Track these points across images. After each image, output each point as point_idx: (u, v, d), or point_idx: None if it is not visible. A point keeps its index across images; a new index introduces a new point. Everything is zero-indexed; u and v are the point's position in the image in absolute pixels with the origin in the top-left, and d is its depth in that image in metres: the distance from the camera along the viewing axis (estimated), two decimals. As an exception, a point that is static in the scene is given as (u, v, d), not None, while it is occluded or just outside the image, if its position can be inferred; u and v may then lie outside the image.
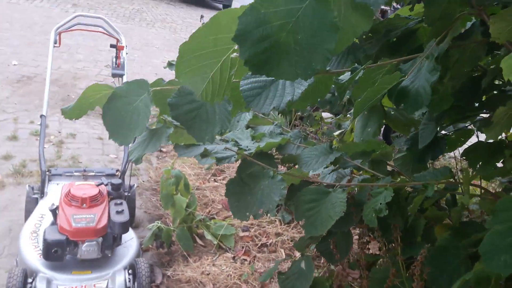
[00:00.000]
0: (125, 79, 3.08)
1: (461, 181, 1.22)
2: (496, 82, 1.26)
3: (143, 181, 3.33)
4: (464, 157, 1.39)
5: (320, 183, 1.25)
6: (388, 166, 1.61)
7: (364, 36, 1.29)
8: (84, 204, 1.94)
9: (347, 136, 2.13)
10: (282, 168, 1.53)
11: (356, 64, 1.35)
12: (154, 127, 1.10)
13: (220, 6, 13.63)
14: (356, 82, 0.99)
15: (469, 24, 1.15)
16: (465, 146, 1.46)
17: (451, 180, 1.22)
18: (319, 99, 1.01)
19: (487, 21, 0.97)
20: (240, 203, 1.06)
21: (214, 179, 3.39)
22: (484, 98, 1.28)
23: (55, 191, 2.31)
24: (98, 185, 2.08)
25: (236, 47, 0.61)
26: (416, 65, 0.89)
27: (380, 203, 1.12)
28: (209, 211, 2.89)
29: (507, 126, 1.03)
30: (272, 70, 0.60)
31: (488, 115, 1.43)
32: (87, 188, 2.03)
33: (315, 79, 0.94)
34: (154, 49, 7.13)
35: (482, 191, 1.30)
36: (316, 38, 0.59)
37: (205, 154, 1.10)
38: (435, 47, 0.90)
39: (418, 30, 1.21)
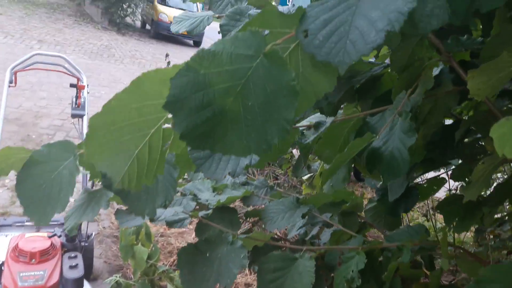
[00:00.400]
0: (85, 120, 2.92)
1: (437, 238, 1.12)
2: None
3: (104, 227, 3.11)
4: (438, 211, 1.30)
5: (285, 247, 1.12)
6: (359, 218, 1.51)
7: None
8: (33, 260, 1.74)
9: (316, 180, 2.03)
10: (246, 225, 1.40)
11: (318, 112, 1.26)
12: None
13: (191, 42, 13.73)
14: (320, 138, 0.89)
15: (436, 70, 1.10)
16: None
17: (427, 240, 1.13)
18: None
19: (456, 68, 0.91)
20: (194, 276, 0.91)
21: (179, 224, 3.20)
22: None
23: (2, 244, 2.09)
24: (50, 237, 1.89)
25: (169, 115, 0.49)
26: (388, 122, 0.79)
27: (352, 271, 1.01)
28: (174, 261, 2.69)
29: (486, 185, 0.95)
30: (217, 145, 0.49)
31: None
32: (37, 241, 1.83)
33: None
34: (122, 86, 6.96)
35: (461, 250, 1.20)
36: (271, 104, 0.49)
37: (152, 220, 0.97)
38: (407, 102, 0.81)
39: (383, 76, 1.14)
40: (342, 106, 1.33)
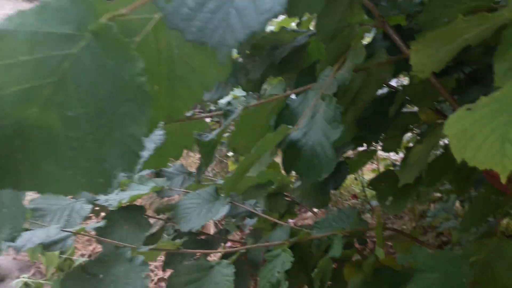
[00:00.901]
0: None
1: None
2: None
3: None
4: (371, 187, 1.20)
5: (199, 253, 0.96)
6: (287, 198, 1.40)
7: (247, 52, 1.03)
8: None
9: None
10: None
11: (236, 88, 1.08)
12: None
13: None
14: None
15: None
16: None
17: (359, 223, 1.02)
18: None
19: (392, 35, 0.76)
20: (84, 306, 0.73)
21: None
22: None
23: None
24: None
25: None
26: (309, 108, 0.63)
27: (278, 272, 0.87)
28: (94, 249, 2.46)
29: (423, 166, 0.84)
30: (24, 182, 0.29)
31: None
32: None
33: (169, 130, 0.64)
34: None
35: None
36: (107, 115, 0.29)
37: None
38: (333, 80, 0.65)
39: (308, 46, 0.98)
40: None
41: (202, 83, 0.41)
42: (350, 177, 2.83)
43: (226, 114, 0.67)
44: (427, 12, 0.71)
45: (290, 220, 2.09)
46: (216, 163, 2.75)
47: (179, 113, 0.43)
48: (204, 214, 1.00)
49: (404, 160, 0.90)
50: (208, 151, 0.63)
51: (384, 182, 1.14)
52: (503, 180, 0.30)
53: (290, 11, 0.63)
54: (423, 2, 0.86)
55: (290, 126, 0.57)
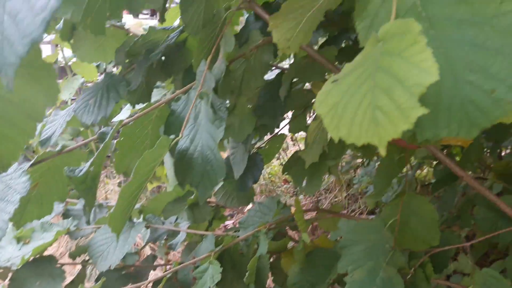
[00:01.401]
0: None
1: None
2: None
3: None
4: (286, 173, 1.19)
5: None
6: (210, 204, 1.34)
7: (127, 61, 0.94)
8: None
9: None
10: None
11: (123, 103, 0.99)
12: None
13: None
14: (116, 150, 0.64)
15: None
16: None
17: (282, 212, 1.00)
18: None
19: (262, 15, 0.73)
20: None
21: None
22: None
23: None
24: None
25: None
26: (190, 109, 0.57)
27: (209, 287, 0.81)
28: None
29: (324, 141, 0.82)
30: None
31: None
32: None
33: (39, 172, 0.54)
34: None
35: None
36: None
37: None
38: (208, 75, 0.60)
39: (187, 41, 0.92)
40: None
41: (30, 115, 0.33)
42: (277, 163, 2.85)
43: (101, 137, 0.59)
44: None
45: (228, 222, 2.03)
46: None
47: (11, 155, 0.34)
48: (120, 247, 0.91)
49: (305, 140, 0.88)
50: (86, 187, 0.54)
51: (294, 165, 1.13)
52: (383, 152, 0.27)
53: (130, 7, 0.56)
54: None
55: (172, 137, 0.51)
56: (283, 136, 1.41)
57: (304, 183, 1.06)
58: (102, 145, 0.57)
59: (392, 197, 1.18)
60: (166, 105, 0.70)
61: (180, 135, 0.54)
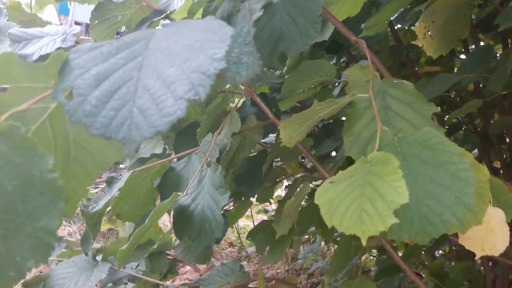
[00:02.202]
0: None
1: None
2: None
3: None
4: (249, 239, 1.27)
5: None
6: (169, 256, 1.38)
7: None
8: None
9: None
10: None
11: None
12: None
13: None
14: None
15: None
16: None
17: (243, 276, 1.07)
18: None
19: (259, 103, 0.86)
20: None
21: None
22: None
23: None
24: None
25: None
26: (195, 173, 0.67)
27: None
28: None
29: (295, 217, 0.93)
30: None
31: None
32: None
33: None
34: None
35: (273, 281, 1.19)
36: (17, 213, 0.30)
37: None
38: (214, 146, 0.71)
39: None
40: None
41: (99, 164, 0.42)
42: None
43: (109, 181, 0.67)
44: (286, 85, 0.84)
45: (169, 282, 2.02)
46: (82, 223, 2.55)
47: (74, 193, 0.43)
48: (82, 284, 0.94)
49: (278, 213, 0.99)
50: (94, 222, 0.61)
51: (261, 233, 1.22)
52: (364, 243, 0.38)
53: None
54: (283, 75, 1.00)
55: (180, 193, 0.60)
56: (250, 203, 1.51)
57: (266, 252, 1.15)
58: (113, 190, 0.65)
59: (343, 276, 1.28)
60: (166, 162, 0.80)
61: (185, 193, 0.64)
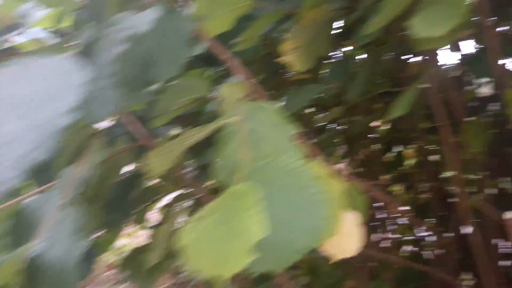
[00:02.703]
0: None
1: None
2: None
3: None
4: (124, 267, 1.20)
5: None
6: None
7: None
8: None
9: None
10: None
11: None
12: None
13: None
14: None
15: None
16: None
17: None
18: None
19: (129, 124, 0.82)
20: None
21: None
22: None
23: None
24: None
25: None
26: (51, 214, 0.60)
27: None
28: None
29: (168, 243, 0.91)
30: None
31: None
32: None
33: None
34: None
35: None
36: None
37: None
38: (75, 181, 0.65)
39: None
40: None
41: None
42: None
43: None
44: (162, 102, 0.80)
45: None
46: None
47: None
48: None
49: (152, 240, 0.96)
50: None
51: (135, 260, 1.17)
52: (226, 281, 0.38)
53: None
54: (158, 91, 0.96)
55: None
56: (121, 228, 1.42)
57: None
58: None
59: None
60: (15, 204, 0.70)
61: (35, 241, 0.56)
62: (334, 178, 0.66)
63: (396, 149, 1.74)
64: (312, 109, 1.69)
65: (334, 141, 1.97)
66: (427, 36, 0.50)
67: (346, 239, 0.75)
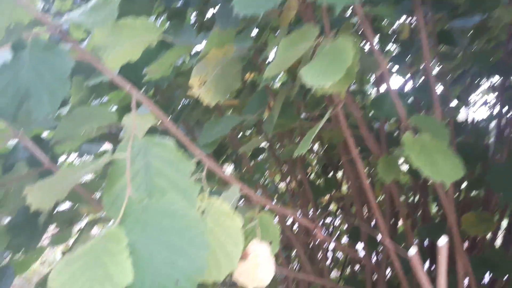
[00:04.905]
0: None
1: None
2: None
3: None
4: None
5: None
6: None
7: None
8: None
9: None
10: None
11: None
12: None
13: None
14: None
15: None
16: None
17: None
18: None
19: (30, 148, 0.78)
20: None
21: None
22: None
23: None
24: None
25: None
26: None
27: None
28: None
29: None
30: None
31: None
32: None
33: None
34: None
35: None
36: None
37: None
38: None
39: None
40: None
41: None
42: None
43: None
44: (59, 131, 0.77)
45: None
46: None
47: None
48: None
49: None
50: None
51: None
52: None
53: None
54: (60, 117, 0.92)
55: None
56: (43, 248, 1.36)
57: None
58: None
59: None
60: None
61: None
62: (237, 212, 0.66)
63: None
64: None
65: (265, 166, 2.00)
66: (316, 85, 0.52)
67: (259, 268, 0.75)
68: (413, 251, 0.58)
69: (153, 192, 0.53)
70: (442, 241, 0.55)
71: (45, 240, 1.38)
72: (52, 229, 1.42)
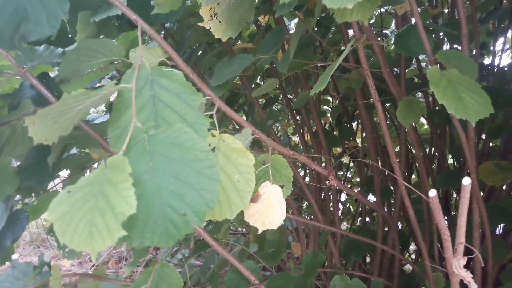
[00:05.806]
0: None
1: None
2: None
3: None
4: (51, 235, 1.15)
5: None
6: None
7: None
8: None
9: None
10: None
11: None
12: None
13: None
14: None
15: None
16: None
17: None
18: None
19: (36, 85, 0.74)
20: None
21: None
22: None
23: None
24: None
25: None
26: None
27: None
28: None
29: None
30: None
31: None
32: None
33: None
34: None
35: None
36: None
37: None
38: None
39: None
40: None
41: None
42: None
43: None
44: (64, 66, 0.73)
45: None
46: None
47: None
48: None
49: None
50: None
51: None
52: (93, 259, 0.35)
53: None
54: (64, 52, 0.87)
55: None
56: (56, 193, 1.36)
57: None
58: None
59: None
60: None
61: None
62: (250, 151, 0.63)
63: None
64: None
65: (280, 113, 1.95)
66: (336, 7, 0.47)
67: (271, 210, 0.73)
68: (433, 192, 0.55)
69: (161, 125, 0.50)
70: (467, 181, 0.52)
71: (58, 184, 1.39)
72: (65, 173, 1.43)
